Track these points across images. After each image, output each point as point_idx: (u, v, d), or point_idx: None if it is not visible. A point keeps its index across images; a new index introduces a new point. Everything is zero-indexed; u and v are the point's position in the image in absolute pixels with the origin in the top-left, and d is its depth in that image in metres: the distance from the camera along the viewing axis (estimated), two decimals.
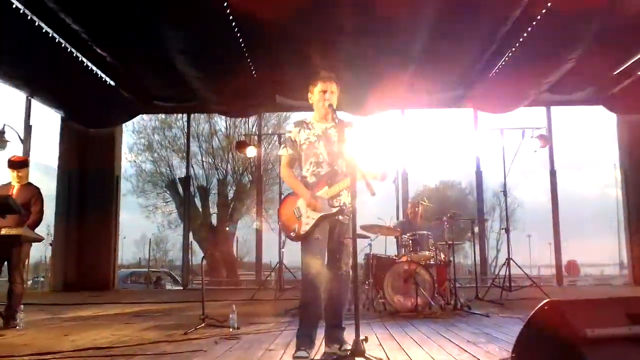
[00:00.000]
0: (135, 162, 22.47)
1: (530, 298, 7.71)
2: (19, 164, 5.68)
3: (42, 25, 9.12)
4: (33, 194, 5.64)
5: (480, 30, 9.14)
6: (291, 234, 3.69)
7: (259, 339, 4.50)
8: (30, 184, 5.78)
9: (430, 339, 4.41)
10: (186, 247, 13.29)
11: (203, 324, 5.09)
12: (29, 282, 16.91)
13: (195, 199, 21.25)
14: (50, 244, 11.95)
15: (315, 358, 3.57)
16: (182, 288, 13.30)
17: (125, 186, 21.56)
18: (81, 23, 8.84)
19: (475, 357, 3.60)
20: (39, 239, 5.67)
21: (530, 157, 12.75)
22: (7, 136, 11.27)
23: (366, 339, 3.22)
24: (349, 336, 4.31)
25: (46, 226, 12.43)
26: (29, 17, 8.77)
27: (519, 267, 8.57)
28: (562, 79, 10.34)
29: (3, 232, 5.07)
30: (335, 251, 3.69)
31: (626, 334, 2.28)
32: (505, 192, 8.87)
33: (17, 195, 5.53)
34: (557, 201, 12.53)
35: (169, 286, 17.34)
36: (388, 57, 9.63)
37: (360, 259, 7.52)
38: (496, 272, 8.52)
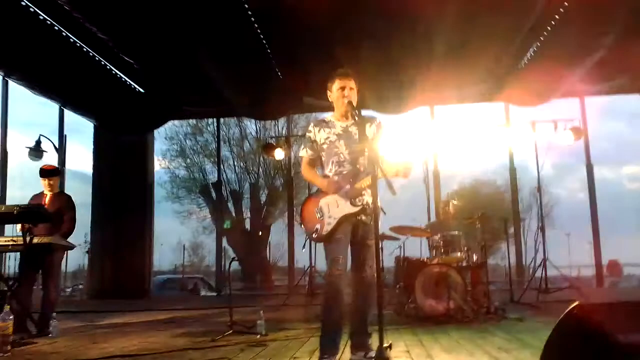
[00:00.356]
0: (168, 168, 22.83)
1: (567, 300, 7.43)
2: (50, 172, 5.80)
3: (69, 35, 9.35)
4: (65, 202, 5.75)
5: (506, 22, 8.93)
6: (313, 234, 3.62)
7: (286, 345, 4.45)
8: (62, 192, 5.89)
9: (461, 346, 4.29)
10: (219, 253, 13.38)
11: (231, 331, 5.06)
12: (68, 290, 17.28)
13: (229, 204, 21.42)
14: (87, 252, 12.17)
15: None
16: (216, 294, 13.36)
17: (159, 192, 21.93)
18: (107, 32, 9.00)
19: None
20: (71, 247, 5.75)
21: (566, 152, 12.43)
22: (42, 146, 11.55)
23: (390, 346, 3.12)
24: (375, 343, 4.25)
25: (84, 234, 12.70)
26: (56, 28, 9.02)
27: (555, 268, 8.32)
28: (595, 67, 10.01)
29: (35, 240, 5.16)
30: (359, 253, 3.61)
31: None
32: (539, 189, 8.63)
33: (49, 203, 5.64)
34: (595, 197, 12.14)
35: (203, 292, 17.48)
36: (414, 55, 9.54)
37: (391, 261, 7.44)
38: (538, 274, 8.28)
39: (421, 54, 9.59)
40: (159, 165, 22.31)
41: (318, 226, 3.60)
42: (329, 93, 3.78)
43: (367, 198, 3.57)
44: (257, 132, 22.17)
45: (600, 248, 11.99)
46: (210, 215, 22.03)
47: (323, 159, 3.74)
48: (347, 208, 3.54)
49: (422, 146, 9.92)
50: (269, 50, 9.87)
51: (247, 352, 4.16)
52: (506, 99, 12.01)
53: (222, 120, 20.55)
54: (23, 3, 8.38)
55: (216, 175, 17.46)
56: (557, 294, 8.21)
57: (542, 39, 9.43)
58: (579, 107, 12.26)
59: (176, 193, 22.88)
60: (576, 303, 2.33)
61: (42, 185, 5.77)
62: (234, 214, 21.29)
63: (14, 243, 5.01)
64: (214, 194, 20.55)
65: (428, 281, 6.41)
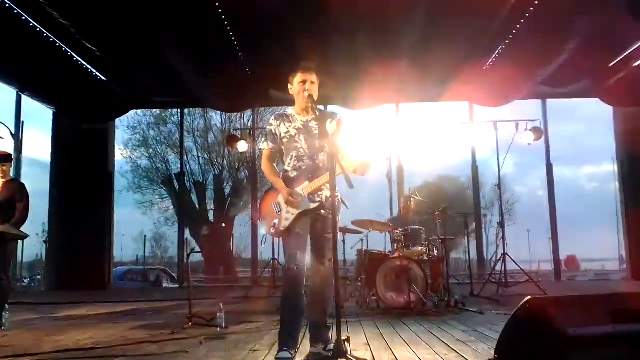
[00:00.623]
0: (130, 158, 22.40)
1: (526, 294, 7.59)
2: (2, 158, 5.59)
3: (30, 19, 9.05)
4: (17, 190, 5.55)
5: (472, 24, 9.05)
6: (271, 229, 3.59)
7: (245, 338, 4.41)
8: (14, 179, 5.70)
9: (420, 338, 4.33)
10: (181, 244, 13.22)
11: (190, 324, 5.01)
12: (26, 281, 16.85)
13: (192, 195, 21.17)
14: (45, 242, 11.86)
15: (298, 358, 3.48)
16: (178, 286, 13.21)
17: (121, 182, 21.53)
18: (69, 18, 8.75)
19: (462, 356, 3.52)
20: (24, 236, 5.57)
21: (528, 151, 12.76)
22: None
23: (348, 339, 3.13)
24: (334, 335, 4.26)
25: (41, 223, 12.38)
26: (15, 12, 8.70)
27: (514, 262, 8.49)
28: (557, 71, 10.27)
29: None
30: (318, 246, 3.59)
31: (610, 332, 2.20)
32: (500, 186, 8.79)
33: (0, 191, 5.44)
34: (554, 195, 12.51)
35: (165, 284, 17.26)
36: (380, 52, 9.58)
37: (353, 255, 7.47)
38: (498, 268, 8.43)
39: (387, 52, 9.64)
40: (121, 154, 21.88)
41: (276, 221, 3.57)
42: (290, 86, 3.73)
43: (327, 192, 3.56)
44: (222, 124, 21.94)
45: (559, 244, 12.38)
46: (172, 207, 21.75)
47: (283, 152, 3.71)
48: (305, 204, 3.53)
49: (385, 143, 9.97)
50: (235, 42, 9.78)
51: (206, 345, 4.11)
52: (470, 98, 12.20)
53: (187, 111, 20.25)
54: None
55: (179, 166, 17.21)
56: (516, 288, 8.37)
57: (506, 41, 9.60)
58: (541, 109, 12.63)
59: (138, 183, 22.52)
60: (529, 297, 2.38)
61: None
62: (197, 206, 21.05)
63: None
64: (176, 185, 20.27)
65: (389, 274, 6.48)
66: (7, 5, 8.53)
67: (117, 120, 14.01)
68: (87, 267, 11.83)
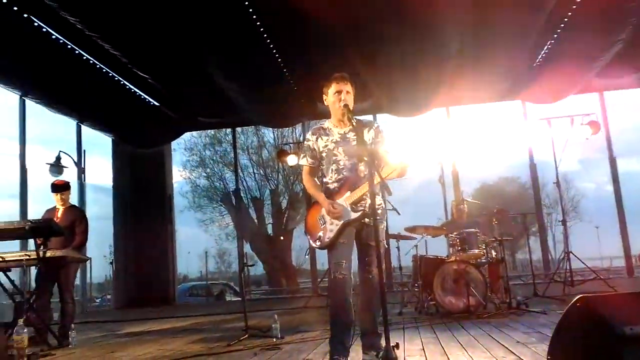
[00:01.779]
0: (189, 178, 23.07)
1: (593, 292, 7.29)
2: (61, 187, 5.90)
3: (82, 53, 9.46)
4: (76, 215, 5.82)
5: (519, 19, 8.79)
6: (317, 242, 3.60)
7: (300, 348, 4.42)
8: (74, 206, 5.96)
9: (478, 341, 4.21)
10: (241, 258, 13.43)
11: (246, 335, 5.05)
12: (98, 301, 17.54)
13: (250, 210, 21.54)
14: (110, 263, 12.32)
15: None
16: (240, 299, 13.40)
17: (182, 202, 22.19)
18: (119, 48, 9.09)
19: (520, 359, 3.40)
20: (84, 260, 5.83)
21: (591, 146, 12.26)
22: (63, 162, 11.72)
23: (397, 345, 3.07)
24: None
25: (108, 245, 12.88)
26: (69, 47, 9.12)
27: (579, 260, 8.15)
28: (612, 62, 9.82)
29: (48, 254, 5.21)
30: (364, 255, 3.57)
31: None
32: (558, 184, 8.45)
33: (61, 218, 5.72)
34: (620, 189, 11.95)
35: (229, 298, 17.56)
36: (428, 58, 9.44)
37: (408, 261, 7.37)
38: (563, 267, 8.09)
39: (435, 56, 9.49)
40: (180, 175, 22.58)
41: (321, 233, 3.59)
42: (324, 97, 3.74)
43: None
44: (274, 140, 22.29)
45: (629, 239, 11.81)
46: (232, 223, 22.20)
47: (323, 166, 3.72)
48: (347, 215, 3.52)
49: (435, 147, 9.82)
50: (279, 59, 9.86)
51: (260, 355, 4.14)
52: (523, 97, 11.87)
53: (240, 129, 20.72)
54: (36, 24, 8.52)
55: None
56: (583, 286, 8.05)
57: (556, 36, 9.28)
58: (599, 102, 12.16)
59: (198, 202, 23.18)
60: (580, 295, 2.27)
61: (54, 201, 5.86)
62: (255, 220, 21.39)
63: (28, 257, 5.07)
64: (234, 202, 20.70)
65: (447, 278, 6.37)
66: (62, 41, 8.96)
67: (174, 143, 14.47)
68: (152, 284, 12.23)
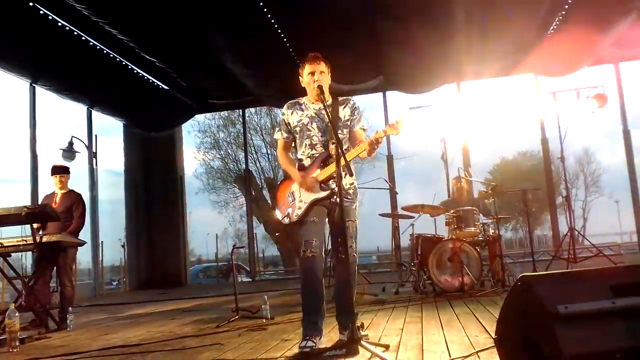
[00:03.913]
0: (204, 160, 23.24)
1: (588, 268, 7.22)
2: (60, 169, 6.04)
3: (90, 39, 9.57)
4: (74, 200, 5.95)
5: None
6: (285, 219, 3.61)
7: (285, 328, 4.48)
8: (72, 191, 6.08)
9: (459, 320, 4.23)
10: (251, 239, 13.59)
11: (237, 316, 5.15)
12: (114, 284, 17.90)
13: (264, 191, 21.67)
14: (123, 246, 12.57)
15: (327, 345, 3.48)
16: (250, 280, 13.59)
17: (197, 184, 22.40)
18: (127, 33, 9.19)
19: (492, 337, 3.40)
20: (80, 244, 5.95)
21: (614, 118, 12.05)
22: (75, 147, 11.90)
23: (362, 325, 3.11)
24: (367, 321, 4.26)
25: (123, 228, 13.12)
26: (76, 34, 9.23)
27: (583, 237, 8.07)
28: (628, 31, 9.57)
29: (44, 239, 5.35)
30: (336, 235, 3.59)
31: (608, 308, 2.05)
32: (562, 159, 8.32)
33: (59, 202, 5.86)
34: (633, 162, 11.76)
35: (239, 279, 17.76)
36: (435, 32, 9.34)
37: (405, 239, 7.39)
38: (582, 243, 8.00)
39: (444, 30, 9.37)
40: (194, 157, 22.78)
41: (289, 210, 3.59)
42: (300, 79, 3.74)
43: (343, 180, 3.51)
44: None
45: None
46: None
47: (297, 140, 3.72)
48: (316, 192, 3.52)
49: (438, 123, 9.78)
50: (286, 40, 9.83)
51: (244, 336, 4.21)
52: (535, 70, 11.66)
53: (253, 110, 20.78)
54: (42, 12, 8.64)
55: (250, 164, 17.64)
56: (587, 262, 7.97)
57: (567, 5, 9.06)
58: (614, 74, 11.91)
59: (212, 184, 23.37)
60: (522, 274, 2.27)
61: (53, 184, 5.99)
62: (269, 201, 21.52)
63: (25, 243, 5.21)
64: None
65: (442, 257, 6.40)
66: (68, 28, 9.07)
67: (188, 125, 14.59)
68: (164, 266, 12.50)
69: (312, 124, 3.64)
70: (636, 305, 2.05)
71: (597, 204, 34.02)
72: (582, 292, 2.11)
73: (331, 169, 3.48)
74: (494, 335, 2.42)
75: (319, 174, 3.55)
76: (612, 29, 9.59)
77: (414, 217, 7.10)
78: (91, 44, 9.75)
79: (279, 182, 4.08)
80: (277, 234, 19.50)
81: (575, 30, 9.51)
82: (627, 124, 11.95)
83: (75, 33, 9.33)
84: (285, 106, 3.80)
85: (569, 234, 7.87)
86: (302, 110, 3.70)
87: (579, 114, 8.68)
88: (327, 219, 3.62)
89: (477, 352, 2.98)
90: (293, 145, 3.78)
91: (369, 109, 18.58)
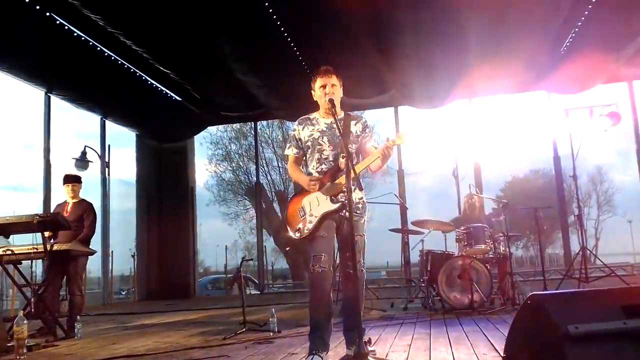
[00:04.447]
0: (215, 172, 23.36)
1: (599, 288, 7.13)
2: (72, 179, 6.10)
3: (105, 50, 9.69)
4: (85, 209, 5.99)
5: (541, 8, 8.60)
6: (296, 233, 3.60)
7: (291, 342, 4.45)
8: (83, 200, 6.12)
9: (468, 338, 4.19)
10: (260, 252, 13.58)
11: (244, 329, 5.13)
12: (123, 293, 17.95)
13: (274, 204, 21.70)
14: (133, 256, 12.61)
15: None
16: (259, 292, 13.56)
17: (208, 196, 22.48)
18: (141, 44, 9.29)
19: (501, 355, 3.36)
20: (90, 253, 5.97)
21: (628, 137, 11.97)
22: (88, 157, 12.01)
23: (369, 341, 3.09)
24: (374, 337, 4.23)
25: (134, 238, 13.18)
26: (91, 44, 9.34)
27: (596, 257, 7.98)
28: None
29: (55, 247, 5.39)
30: (344, 249, 3.58)
31: (620, 329, 2.02)
32: (574, 177, 8.25)
33: (70, 211, 5.90)
34: None
35: (248, 291, 17.74)
36: (448, 48, 9.35)
37: (415, 255, 7.35)
38: (594, 262, 7.93)
39: (455, 46, 9.38)
40: (206, 169, 22.89)
41: (300, 225, 3.57)
42: (312, 92, 3.75)
43: (352, 194, 3.51)
44: None
45: None
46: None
47: (307, 156, 3.73)
48: (327, 206, 3.52)
49: (449, 140, 9.74)
50: (297, 52, 9.90)
51: (250, 349, 4.19)
52: (547, 87, 11.64)
53: (265, 123, 20.86)
54: (58, 22, 8.77)
55: (261, 177, 17.68)
56: (598, 282, 7.88)
57: (580, 23, 9.06)
58: (628, 92, 11.86)
59: (223, 196, 23.45)
60: (532, 293, 2.25)
61: (64, 193, 6.04)
62: (279, 214, 21.54)
63: (36, 251, 5.25)
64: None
65: (452, 274, 6.36)
66: (84, 39, 9.20)
67: (200, 136, 14.67)
68: (173, 277, 12.50)
69: (323, 138, 3.65)
70: None
71: (610, 223, 33.75)
72: (593, 312, 2.09)
73: (341, 181, 3.48)
74: (502, 354, 2.39)
75: (329, 187, 3.55)
76: (625, 47, 9.55)
77: (424, 233, 7.06)
78: (106, 54, 9.86)
79: (289, 198, 4.06)
80: (287, 249, 19.47)
81: (588, 48, 9.50)
82: None
83: (91, 43, 9.44)
84: (297, 122, 3.81)
85: (580, 253, 7.77)
86: (314, 125, 3.71)
87: (592, 132, 8.65)
88: (335, 234, 3.62)
89: None
90: (304, 160, 3.78)
91: (380, 123, 18.61)
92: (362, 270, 3.56)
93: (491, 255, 6.67)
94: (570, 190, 18.54)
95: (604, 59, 10.04)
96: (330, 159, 3.62)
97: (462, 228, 6.66)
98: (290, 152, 3.77)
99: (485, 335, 4.25)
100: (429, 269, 6.67)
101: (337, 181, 3.53)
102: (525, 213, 8.48)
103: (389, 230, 7.59)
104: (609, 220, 34.00)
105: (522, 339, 2.25)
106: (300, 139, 3.73)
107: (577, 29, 9.42)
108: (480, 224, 6.63)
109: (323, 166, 3.62)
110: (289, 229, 3.67)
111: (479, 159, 12.07)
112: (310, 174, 3.68)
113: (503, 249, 6.77)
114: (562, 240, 12.25)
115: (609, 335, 2.02)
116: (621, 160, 46.91)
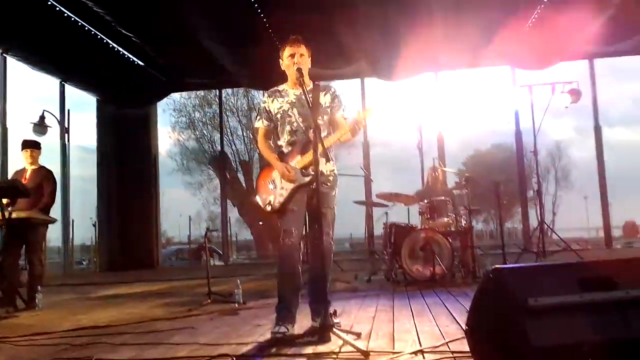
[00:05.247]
0: (178, 140, 23.00)
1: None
2: (31, 144, 5.91)
3: (64, 10, 9.34)
4: (44, 176, 5.82)
5: None
6: (267, 206, 3.60)
7: (257, 313, 4.48)
8: (42, 167, 5.94)
9: (430, 310, 4.29)
10: (224, 223, 13.53)
11: (209, 301, 5.13)
12: (84, 263, 17.68)
13: (239, 174, 21.56)
14: (94, 225, 12.39)
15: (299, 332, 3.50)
16: (223, 264, 13.56)
17: (171, 164, 22.16)
18: (103, 6, 8.99)
19: (463, 328, 3.46)
20: (50, 221, 5.83)
21: (587, 114, 12.25)
22: (47, 122, 11.67)
23: (335, 312, 3.13)
24: (339, 309, 4.28)
25: (95, 207, 12.92)
26: (49, 3, 8.99)
27: (553, 231, 8.24)
28: (605, 28, 9.70)
29: (14, 215, 5.24)
30: (314, 222, 3.59)
31: (576, 302, 2.10)
32: (535, 152, 8.44)
33: (29, 178, 5.73)
34: (603, 158, 12.02)
35: (212, 262, 17.71)
36: (412, 19, 9.33)
37: (379, 228, 7.44)
38: (551, 237, 8.12)
39: (419, 18, 9.37)
40: (169, 137, 22.50)
41: (271, 197, 3.57)
42: (280, 61, 3.71)
43: (323, 167, 3.53)
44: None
45: (611, 210, 11.94)
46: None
47: (278, 128, 3.70)
48: (298, 178, 3.52)
49: (414, 111, 9.79)
50: (264, 19, 9.75)
51: (216, 320, 4.22)
52: (512, 62, 11.78)
53: (230, 91, 20.59)
54: None
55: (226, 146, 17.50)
56: (555, 256, 8.15)
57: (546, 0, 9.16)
58: (588, 69, 12.10)
59: (186, 165, 23.16)
60: (495, 266, 2.31)
61: (23, 160, 5.86)
62: (244, 184, 21.45)
63: None
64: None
65: (414, 246, 6.42)
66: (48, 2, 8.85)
67: (163, 103, 14.39)
68: (136, 248, 12.30)
69: (292, 110, 3.63)
70: (601, 300, 2.12)
71: (567, 199, 34.78)
72: (552, 285, 2.17)
73: (311, 155, 3.48)
74: (464, 326, 2.46)
75: (299, 161, 3.55)
76: (588, 25, 9.70)
77: (388, 206, 7.15)
78: (65, 15, 9.52)
79: (260, 168, 4.06)
80: (260, 223, 19.43)
81: (552, 24, 9.62)
82: (599, 120, 12.16)
83: (50, 2, 9.09)
84: (266, 94, 3.78)
85: (538, 227, 8.01)
86: (283, 97, 3.69)
87: (553, 108, 8.82)
88: (305, 207, 3.62)
89: (448, 342, 3.01)
90: (275, 133, 3.76)
91: (347, 94, 18.59)
92: (331, 242, 3.59)
93: (453, 229, 6.80)
94: (530, 166, 19.00)
95: (567, 37, 10.21)
96: (301, 130, 3.60)
97: (425, 201, 6.75)
98: (261, 124, 3.74)
99: (447, 308, 4.35)
100: (392, 241, 6.76)
101: (306, 154, 3.53)
102: (486, 187, 8.63)
103: (354, 202, 7.65)
104: (565, 196, 35.04)
105: (484, 310, 2.31)
106: (270, 111, 3.70)
107: (542, 5, 9.52)
108: (442, 197, 6.74)
109: (293, 137, 3.61)
110: (258, 199, 3.66)
111: (443, 132, 12.21)
112: (280, 146, 3.67)
113: (465, 222, 6.91)
114: (521, 215, 12.55)
115: (566, 308, 2.09)
116: (579, 137, 48.23)
